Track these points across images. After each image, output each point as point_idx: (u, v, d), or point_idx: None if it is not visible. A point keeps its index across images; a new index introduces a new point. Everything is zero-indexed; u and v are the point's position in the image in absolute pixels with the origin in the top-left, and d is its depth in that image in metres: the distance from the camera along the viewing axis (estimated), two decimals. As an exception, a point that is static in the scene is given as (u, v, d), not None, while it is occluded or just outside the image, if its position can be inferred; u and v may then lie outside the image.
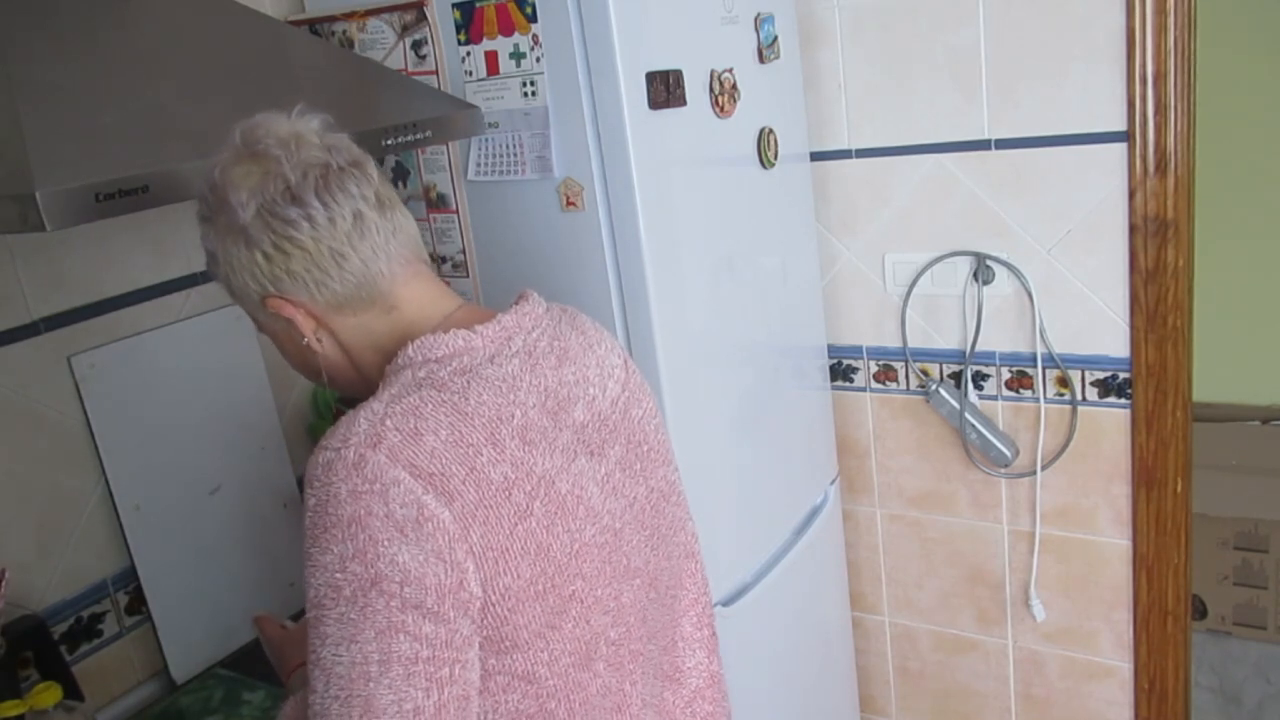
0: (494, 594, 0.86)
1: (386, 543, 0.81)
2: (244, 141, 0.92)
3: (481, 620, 0.86)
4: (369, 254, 0.92)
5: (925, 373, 1.98)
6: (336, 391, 1.07)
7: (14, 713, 1.28)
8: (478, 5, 1.42)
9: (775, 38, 1.72)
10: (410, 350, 0.91)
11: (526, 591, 0.88)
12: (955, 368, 1.94)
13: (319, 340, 0.96)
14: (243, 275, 0.93)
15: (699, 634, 1.15)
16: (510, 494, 0.87)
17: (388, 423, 0.84)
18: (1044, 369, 1.85)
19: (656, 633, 1.06)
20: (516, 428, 0.89)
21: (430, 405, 0.86)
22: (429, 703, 0.81)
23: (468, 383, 0.89)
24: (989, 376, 1.92)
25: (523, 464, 0.88)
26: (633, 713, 1.01)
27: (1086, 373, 1.83)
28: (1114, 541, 1.88)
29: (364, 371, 0.98)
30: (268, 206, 0.89)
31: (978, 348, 1.89)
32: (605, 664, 0.97)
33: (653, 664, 1.06)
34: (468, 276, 1.60)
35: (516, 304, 1.00)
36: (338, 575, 0.81)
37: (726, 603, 1.63)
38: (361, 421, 0.85)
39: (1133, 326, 1.75)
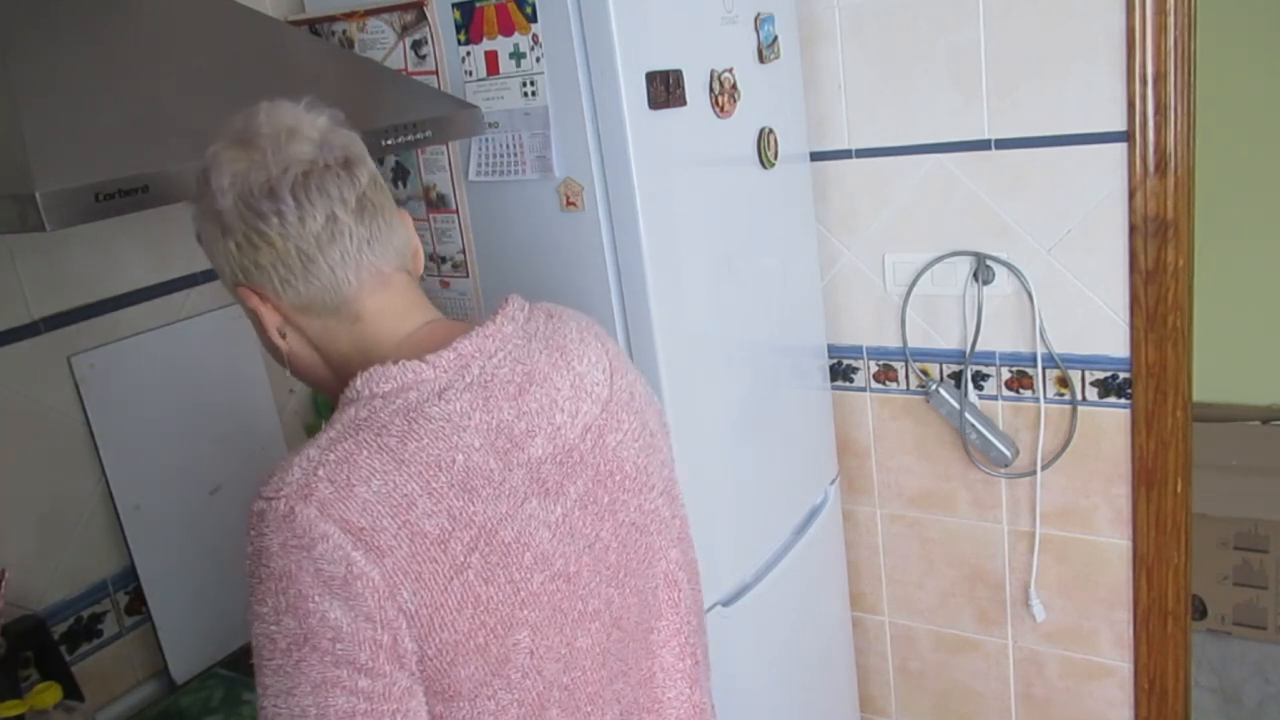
0: (430, 649, 0.83)
1: (317, 599, 0.79)
2: (243, 127, 0.91)
3: (420, 672, 0.84)
4: (337, 260, 0.90)
5: (925, 373, 1.97)
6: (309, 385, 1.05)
7: (14, 713, 1.28)
8: (478, 5, 1.42)
9: (775, 38, 1.72)
10: (359, 383, 0.88)
11: (465, 645, 0.85)
12: (955, 368, 1.94)
13: (282, 335, 0.94)
14: (218, 259, 0.93)
15: (680, 665, 1.08)
16: (446, 547, 0.83)
17: (320, 472, 0.81)
18: (1044, 369, 1.85)
19: (624, 671, 1.01)
20: (457, 474, 0.85)
21: (366, 452, 0.82)
22: None
23: (409, 424, 0.84)
24: (989, 376, 1.92)
25: (461, 514, 0.84)
26: None
27: (1086, 373, 1.83)
28: (1114, 541, 1.88)
29: (340, 375, 0.94)
30: (244, 197, 0.88)
31: (978, 348, 1.89)
32: (559, 709, 0.94)
33: (622, 701, 1.02)
34: (468, 276, 1.60)
35: (492, 316, 0.95)
36: (273, 628, 0.80)
37: (726, 603, 1.63)
38: (295, 470, 0.82)
39: (1133, 326, 1.75)
